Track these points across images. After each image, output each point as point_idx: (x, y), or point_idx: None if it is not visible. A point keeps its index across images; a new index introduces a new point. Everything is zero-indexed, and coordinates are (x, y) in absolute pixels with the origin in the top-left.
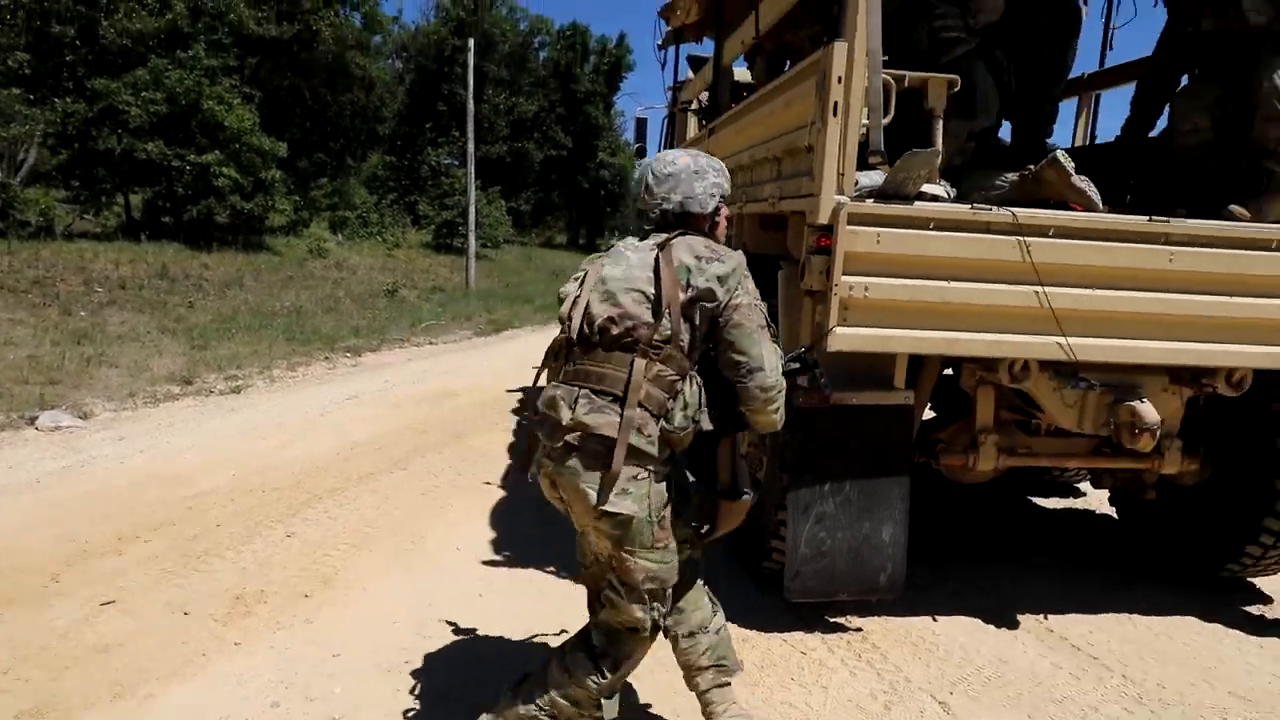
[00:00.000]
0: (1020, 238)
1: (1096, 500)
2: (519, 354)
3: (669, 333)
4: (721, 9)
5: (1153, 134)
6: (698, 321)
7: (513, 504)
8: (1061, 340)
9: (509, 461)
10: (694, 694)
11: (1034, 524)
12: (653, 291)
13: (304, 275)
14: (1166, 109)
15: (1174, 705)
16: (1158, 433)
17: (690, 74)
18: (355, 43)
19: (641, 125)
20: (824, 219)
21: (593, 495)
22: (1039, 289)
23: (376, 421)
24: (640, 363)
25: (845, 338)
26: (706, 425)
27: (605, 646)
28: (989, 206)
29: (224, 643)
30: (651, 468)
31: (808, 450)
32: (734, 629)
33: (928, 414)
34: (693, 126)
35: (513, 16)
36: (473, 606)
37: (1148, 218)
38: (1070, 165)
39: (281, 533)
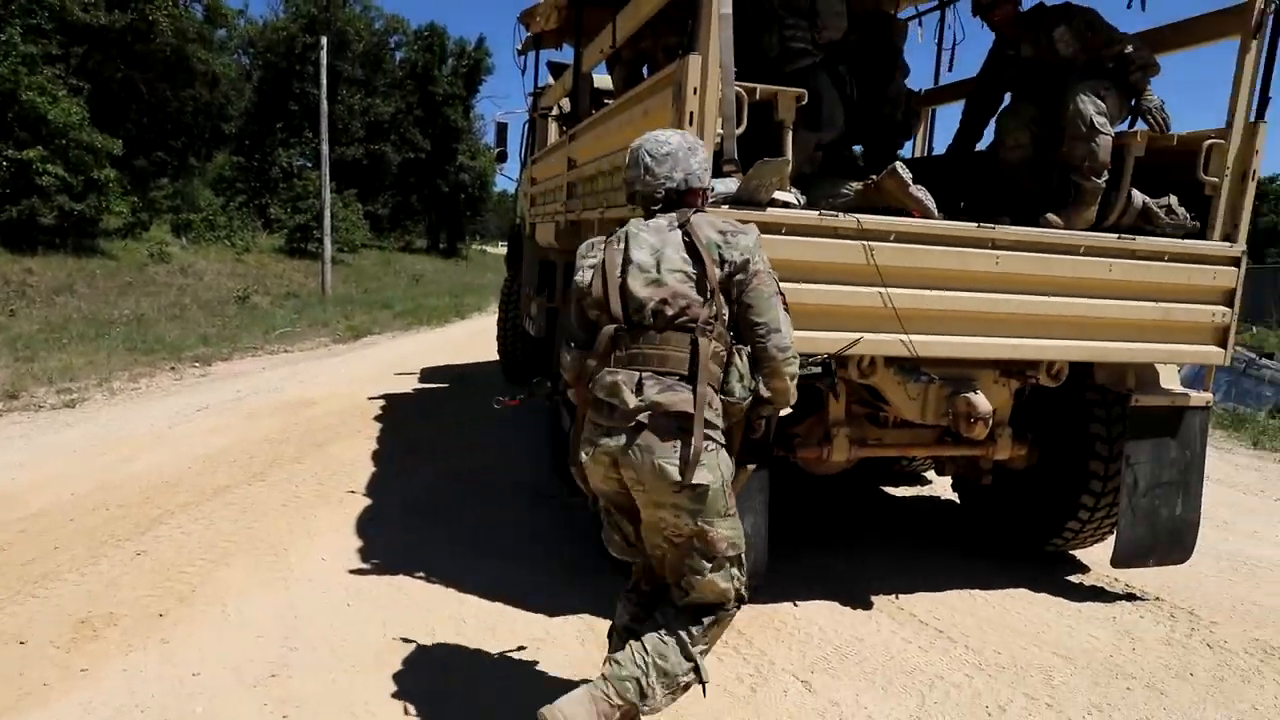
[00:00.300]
0: (865, 242)
1: (941, 487)
2: (379, 361)
3: (715, 310)
4: (580, 17)
5: (981, 147)
6: (734, 295)
7: (380, 512)
8: (904, 337)
9: (374, 469)
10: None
11: (885, 511)
12: (694, 270)
13: (145, 281)
14: (992, 125)
15: (1008, 668)
16: (990, 421)
17: (551, 80)
18: (197, 35)
19: (502, 130)
20: None
21: (673, 470)
22: (882, 290)
23: (230, 432)
24: (703, 341)
25: None
26: (765, 392)
27: (695, 629)
28: (836, 213)
29: (68, 670)
30: (718, 439)
31: None
32: (596, 621)
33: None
34: (553, 132)
35: (366, 15)
36: (341, 616)
37: (976, 224)
38: (908, 175)
39: (130, 551)
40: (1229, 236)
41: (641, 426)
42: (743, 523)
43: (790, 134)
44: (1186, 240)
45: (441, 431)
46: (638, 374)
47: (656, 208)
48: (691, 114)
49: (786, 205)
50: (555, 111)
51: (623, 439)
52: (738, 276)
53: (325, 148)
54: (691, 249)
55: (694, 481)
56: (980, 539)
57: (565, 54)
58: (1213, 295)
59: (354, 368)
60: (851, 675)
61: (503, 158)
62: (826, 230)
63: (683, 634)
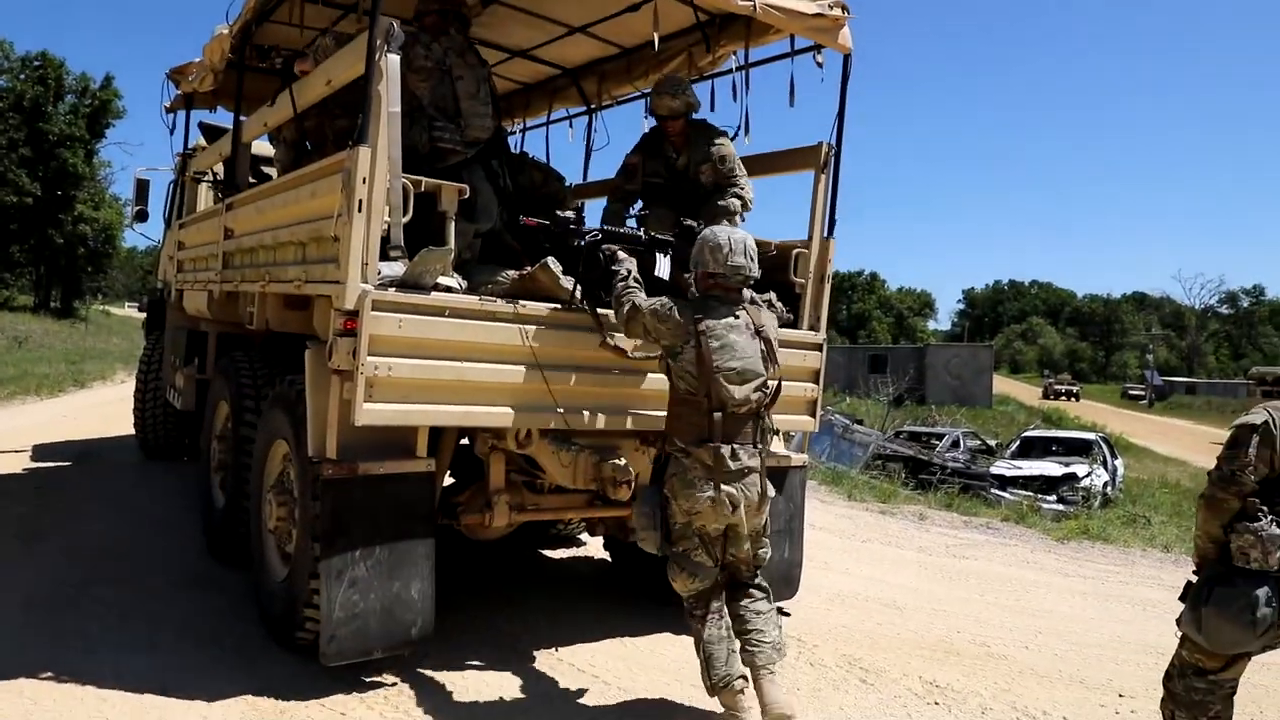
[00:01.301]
0: (520, 325)
1: (593, 547)
2: None
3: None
4: (241, 83)
5: None
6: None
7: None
8: (557, 411)
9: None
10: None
11: (545, 573)
12: (770, 371)
13: None
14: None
15: (656, 706)
16: (634, 484)
17: (202, 141)
18: None
19: (143, 186)
20: (351, 305)
21: (769, 491)
22: (537, 368)
23: None
24: (766, 421)
25: (371, 413)
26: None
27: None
28: (495, 298)
29: None
30: None
31: (339, 518)
32: (271, 703)
33: (447, 480)
34: (204, 196)
35: None
36: None
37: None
38: (558, 269)
39: None
40: (814, 326)
41: (745, 473)
42: (410, 588)
43: (452, 224)
44: (784, 329)
45: (68, 514)
46: (735, 446)
47: (722, 293)
48: (360, 201)
49: (449, 289)
50: (209, 176)
51: (737, 480)
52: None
53: None
54: (768, 353)
55: (771, 496)
56: (630, 590)
57: (219, 115)
58: (805, 374)
59: None
60: None
61: (142, 216)
62: (486, 314)
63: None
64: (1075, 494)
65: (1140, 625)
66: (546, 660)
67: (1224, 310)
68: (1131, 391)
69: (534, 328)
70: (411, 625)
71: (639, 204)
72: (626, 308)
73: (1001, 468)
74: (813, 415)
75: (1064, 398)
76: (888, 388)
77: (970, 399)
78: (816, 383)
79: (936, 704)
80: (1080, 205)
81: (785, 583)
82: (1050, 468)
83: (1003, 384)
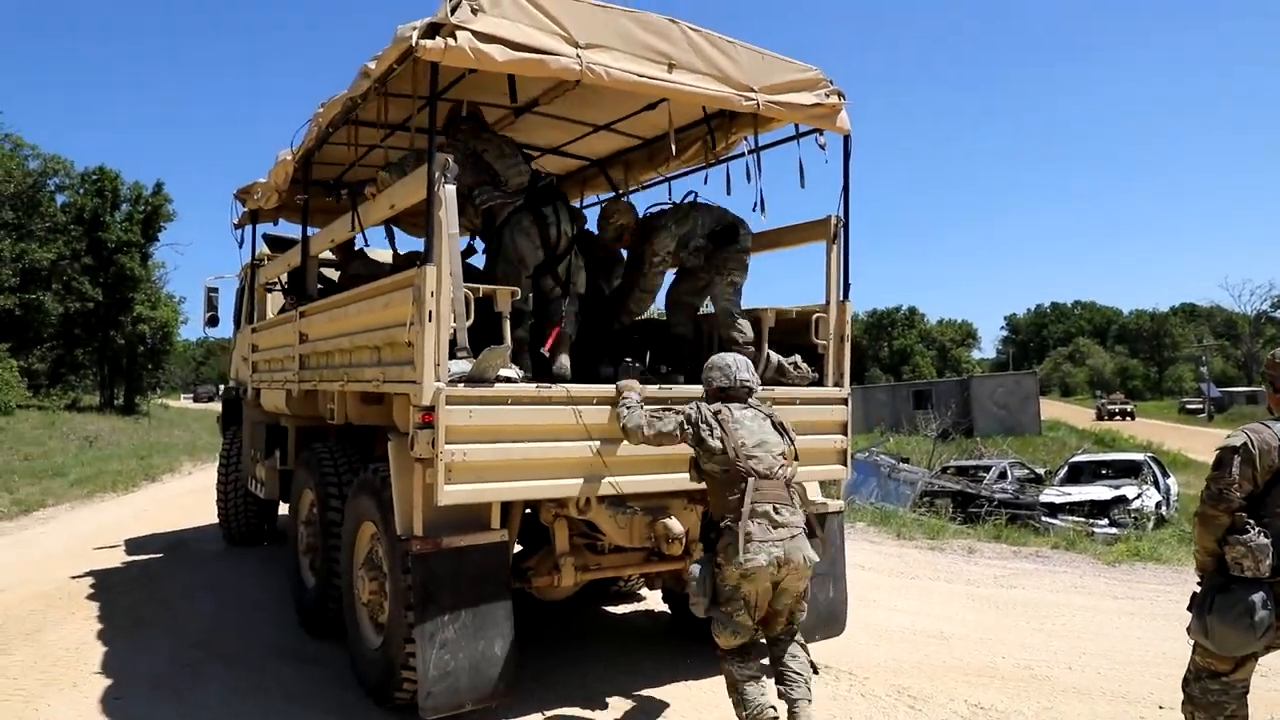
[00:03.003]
0: (574, 406)
1: (652, 601)
2: (68, 535)
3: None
4: (307, 207)
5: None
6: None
7: (124, 690)
8: (611, 479)
9: (104, 649)
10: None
11: (607, 627)
12: (786, 446)
13: None
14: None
15: None
16: (685, 540)
17: (266, 250)
18: None
19: (212, 296)
20: (427, 400)
21: (811, 556)
22: (590, 442)
23: None
24: (799, 485)
25: (452, 494)
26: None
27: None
28: (549, 385)
29: None
30: None
31: (428, 588)
32: None
33: (516, 547)
34: (271, 303)
35: (19, 153)
36: None
37: (658, 387)
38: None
39: None
40: (838, 382)
41: (794, 534)
42: (494, 646)
43: (507, 323)
44: (810, 388)
45: (169, 603)
46: (776, 505)
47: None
48: (430, 312)
49: (509, 380)
50: (279, 285)
51: (785, 542)
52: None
53: None
54: (780, 429)
55: (816, 559)
56: (689, 638)
57: (281, 227)
58: (833, 427)
59: (37, 547)
60: None
61: (214, 322)
62: (543, 399)
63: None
64: (1127, 516)
65: (1188, 643)
66: (619, 706)
67: (1277, 315)
68: (1189, 406)
69: (584, 408)
70: (497, 679)
71: None
72: (658, 428)
73: (1050, 495)
74: (844, 464)
75: (1118, 418)
76: (933, 423)
77: (1018, 428)
78: (845, 434)
79: None
80: (1118, 219)
81: (832, 620)
82: (1100, 492)
83: (1054, 408)
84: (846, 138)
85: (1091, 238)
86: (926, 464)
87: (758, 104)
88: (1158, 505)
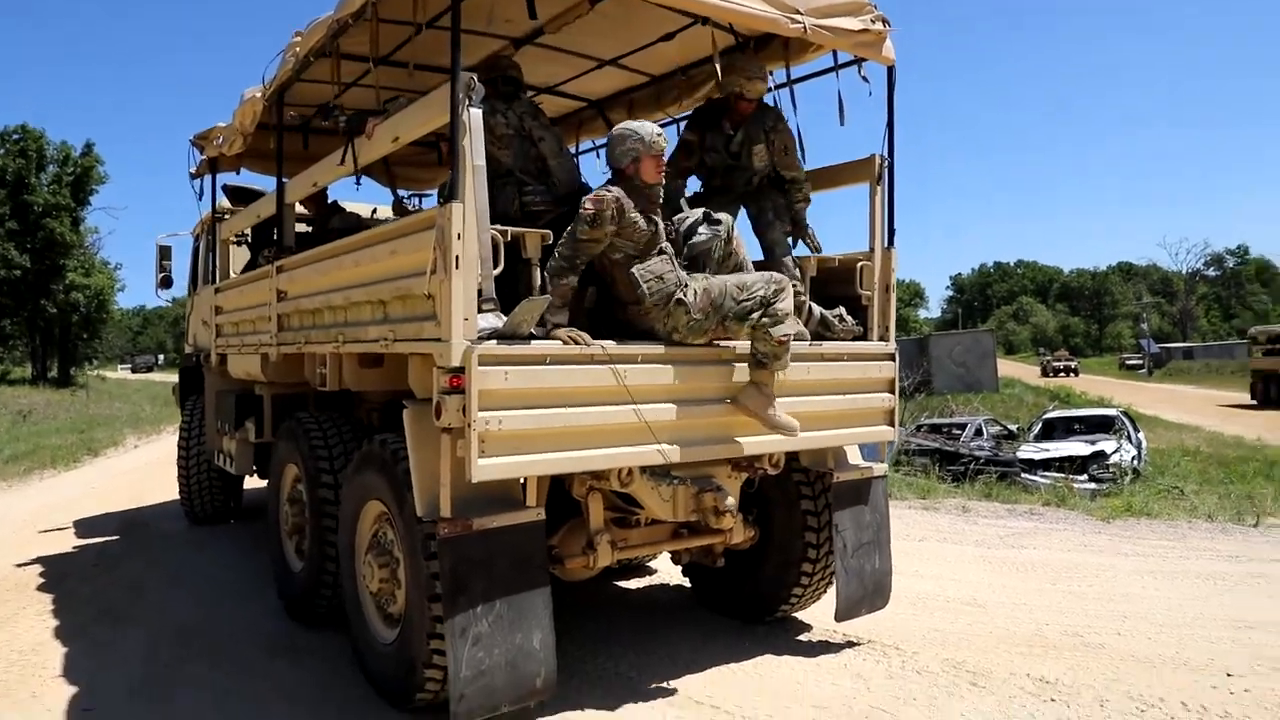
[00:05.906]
0: (614, 366)
1: (665, 573)
2: (8, 520)
3: None
4: (281, 147)
5: None
6: None
7: (95, 699)
8: (657, 447)
9: (65, 649)
10: None
11: (628, 605)
12: None
13: None
14: None
15: None
16: (735, 511)
17: (227, 203)
18: None
19: (165, 253)
20: (456, 361)
21: None
22: (634, 406)
23: None
24: None
25: (487, 468)
26: None
27: None
28: (591, 342)
29: None
30: None
31: (458, 576)
32: None
33: None
34: (237, 257)
35: None
36: None
37: (711, 344)
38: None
39: None
40: (884, 337)
41: None
42: (532, 639)
43: (537, 270)
44: (856, 343)
45: (135, 592)
46: None
47: None
48: (456, 257)
49: (537, 337)
50: (245, 238)
51: None
52: None
53: None
54: None
55: None
56: (717, 615)
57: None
58: (881, 385)
59: None
60: None
61: (167, 284)
62: (584, 358)
63: None
64: (1106, 471)
65: (1218, 601)
66: (664, 696)
67: (1211, 273)
68: (1129, 362)
69: (627, 367)
70: (536, 676)
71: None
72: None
73: (1028, 451)
74: (891, 424)
75: (1063, 374)
76: (900, 382)
77: (977, 385)
78: (892, 392)
79: (1053, 700)
80: (1058, 180)
81: (879, 592)
82: (1077, 447)
83: (1001, 366)
84: (891, 69)
85: (1034, 198)
86: (900, 422)
87: (804, 27)
88: (1133, 459)
